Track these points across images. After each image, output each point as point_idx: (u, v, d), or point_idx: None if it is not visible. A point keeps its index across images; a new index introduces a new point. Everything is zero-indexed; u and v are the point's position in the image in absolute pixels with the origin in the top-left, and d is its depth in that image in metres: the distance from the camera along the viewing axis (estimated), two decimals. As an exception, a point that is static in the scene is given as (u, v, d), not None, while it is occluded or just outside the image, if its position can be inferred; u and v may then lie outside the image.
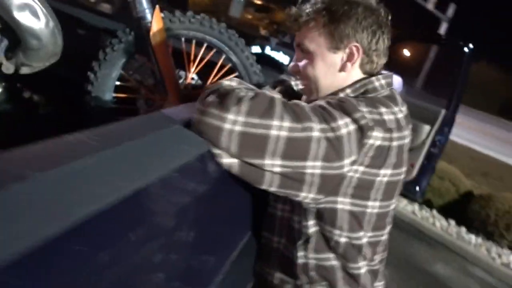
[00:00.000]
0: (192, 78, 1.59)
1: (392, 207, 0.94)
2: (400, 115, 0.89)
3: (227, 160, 0.78)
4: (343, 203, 0.85)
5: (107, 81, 1.43)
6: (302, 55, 0.99)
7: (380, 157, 0.83)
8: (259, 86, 1.59)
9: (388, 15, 0.96)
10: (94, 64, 1.41)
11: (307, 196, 0.82)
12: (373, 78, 0.94)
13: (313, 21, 0.94)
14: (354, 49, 0.92)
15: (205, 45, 1.54)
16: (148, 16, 1.34)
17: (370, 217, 0.89)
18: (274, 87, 1.20)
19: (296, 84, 1.24)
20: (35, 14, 1.11)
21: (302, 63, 0.98)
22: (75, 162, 0.48)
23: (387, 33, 0.95)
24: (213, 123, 0.74)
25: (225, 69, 1.59)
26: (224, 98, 0.76)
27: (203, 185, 0.76)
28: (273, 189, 0.81)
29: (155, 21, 1.34)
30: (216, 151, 0.77)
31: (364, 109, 0.82)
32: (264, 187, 0.82)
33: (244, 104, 0.74)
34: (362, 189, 0.85)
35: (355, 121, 0.79)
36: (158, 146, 0.68)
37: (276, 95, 0.90)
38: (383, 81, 0.94)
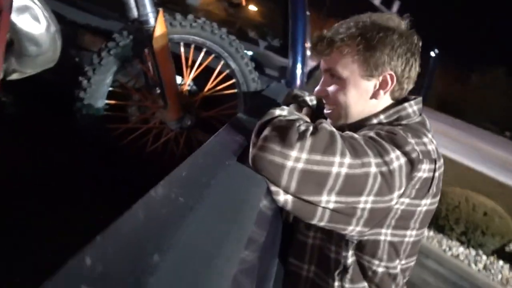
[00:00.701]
0: (188, 84, 1.51)
1: (425, 234, 0.96)
2: (435, 143, 0.90)
3: (283, 197, 0.74)
4: (386, 234, 0.85)
5: (101, 87, 1.31)
6: (331, 80, 0.95)
7: (424, 188, 0.83)
8: (258, 93, 1.55)
9: (420, 40, 0.96)
10: (88, 69, 1.29)
11: (354, 229, 0.80)
12: (406, 104, 0.93)
13: (347, 47, 0.90)
14: (389, 77, 0.90)
15: (204, 50, 1.46)
16: (152, 20, 1.24)
17: (407, 245, 0.90)
18: (287, 103, 1.17)
19: (311, 100, 1.21)
20: (35, 17, 0.98)
21: (331, 89, 0.95)
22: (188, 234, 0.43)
23: (419, 59, 0.95)
24: (275, 160, 0.70)
25: (223, 75, 1.52)
26: (285, 133, 0.71)
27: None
28: (322, 224, 0.79)
29: (159, 25, 1.25)
30: (274, 188, 0.72)
31: (412, 140, 0.81)
32: (313, 222, 0.79)
33: (307, 140, 0.70)
34: (404, 220, 0.85)
35: (405, 154, 0.78)
36: (231, 190, 0.63)
37: (328, 126, 0.85)
38: (415, 107, 0.94)
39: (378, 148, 0.76)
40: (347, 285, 0.90)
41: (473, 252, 4.03)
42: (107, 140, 1.39)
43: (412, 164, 0.77)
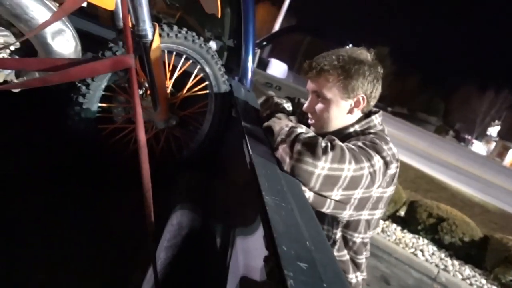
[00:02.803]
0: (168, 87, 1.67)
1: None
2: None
3: (307, 194, 1.02)
4: (365, 215, 1.18)
5: (97, 92, 1.42)
6: (316, 99, 1.27)
7: (390, 180, 1.18)
8: (230, 95, 1.77)
9: (382, 69, 1.29)
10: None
11: (347, 213, 1.12)
12: (373, 117, 1.27)
13: (331, 76, 1.22)
14: (361, 98, 1.23)
15: (184, 56, 1.63)
16: (149, 33, 1.38)
17: (375, 221, 1.25)
18: (273, 111, 1.43)
19: (288, 106, 1.50)
20: (67, 39, 1.09)
21: (318, 107, 1.27)
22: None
23: (381, 82, 1.28)
24: (308, 168, 0.97)
25: (197, 78, 1.71)
26: (313, 149, 0.98)
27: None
28: (328, 211, 1.09)
29: (156, 38, 1.39)
30: (303, 187, 1.00)
31: (385, 147, 1.14)
32: (322, 210, 1.08)
33: (329, 154, 0.98)
34: (377, 203, 1.19)
35: (383, 158, 1.11)
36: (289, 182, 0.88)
37: (339, 142, 1.11)
38: (379, 119, 1.28)
39: (367, 155, 1.07)
40: (334, 253, 1.22)
41: (382, 215, 4.74)
42: (98, 140, 1.51)
43: (387, 165, 1.11)
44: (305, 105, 1.30)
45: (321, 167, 0.98)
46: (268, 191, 0.76)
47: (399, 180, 5.73)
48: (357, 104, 1.24)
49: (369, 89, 1.23)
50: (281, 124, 1.16)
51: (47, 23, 0.86)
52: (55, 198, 1.43)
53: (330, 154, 0.99)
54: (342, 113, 1.25)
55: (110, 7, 1.11)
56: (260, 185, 0.78)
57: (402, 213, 5.10)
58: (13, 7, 0.99)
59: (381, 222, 4.80)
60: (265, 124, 1.28)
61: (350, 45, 3.72)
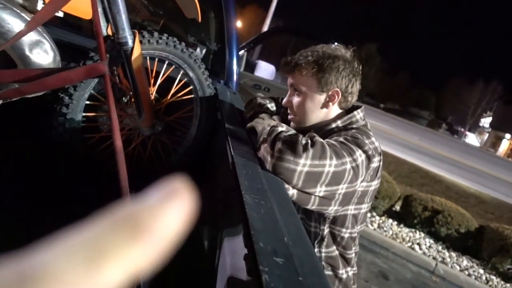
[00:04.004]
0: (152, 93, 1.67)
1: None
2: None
3: (291, 192, 1.02)
4: (351, 210, 1.19)
5: (81, 102, 1.42)
6: (294, 93, 1.28)
7: (374, 173, 1.19)
8: (215, 98, 1.78)
9: (360, 65, 1.30)
10: (69, 86, 1.38)
11: (333, 209, 1.13)
12: (355, 112, 1.28)
13: (305, 70, 1.24)
14: (335, 93, 1.24)
15: (166, 62, 1.64)
16: (129, 41, 1.38)
17: (362, 215, 1.25)
18: (257, 112, 1.44)
19: (272, 106, 1.51)
20: (45, 50, 1.09)
21: (294, 100, 1.28)
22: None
23: (359, 79, 1.30)
24: (289, 166, 0.98)
25: (181, 83, 1.72)
26: (294, 147, 0.99)
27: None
28: (313, 207, 1.09)
29: (136, 46, 1.40)
30: (286, 185, 1.01)
31: (367, 141, 1.15)
32: (307, 207, 1.09)
33: (309, 151, 0.99)
34: (362, 197, 1.20)
35: (365, 152, 1.12)
36: (275, 188, 0.89)
37: (319, 138, 1.13)
38: (361, 114, 1.29)
39: (348, 150, 1.08)
40: (323, 249, 1.23)
41: (368, 214, 4.78)
42: (83, 150, 1.51)
43: (369, 159, 1.11)
44: (284, 100, 1.32)
45: (302, 164, 0.98)
46: (247, 190, 0.77)
47: (394, 175, 5.77)
48: (331, 98, 1.25)
49: (344, 83, 1.24)
50: (264, 124, 1.17)
51: (21, 34, 0.86)
52: (39, 210, 1.43)
53: (311, 151, 1.00)
54: (316, 107, 1.26)
55: (87, 16, 1.11)
56: (240, 185, 0.78)
57: (397, 207, 5.12)
58: (-12, 21, 0.99)
59: (377, 218, 4.82)
60: (248, 125, 1.29)
61: (335, 43, 3.74)
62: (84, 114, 1.47)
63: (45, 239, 0.13)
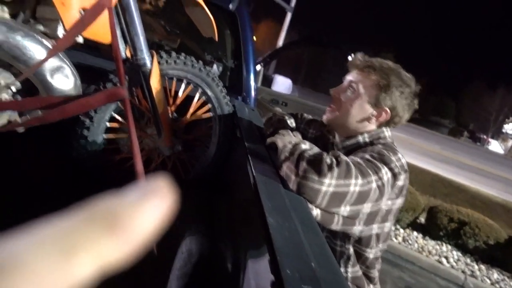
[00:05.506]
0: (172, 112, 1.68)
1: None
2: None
3: (314, 211, 1.00)
4: (375, 228, 1.16)
5: (101, 124, 1.44)
6: (346, 89, 1.24)
7: (399, 191, 1.15)
8: (233, 115, 1.77)
9: (417, 104, 1.25)
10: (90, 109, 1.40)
11: (357, 228, 1.09)
12: (384, 129, 1.25)
13: (374, 76, 1.20)
14: (384, 113, 1.21)
15: (184, 81, 1.65)
16: (148, 62, 1.40)
17: (386, 234, 1.21)
18: (277, 128, 1.42)
19: (291, 123, 1.49)
20: (66, 75, 1.10)
21: (344, 95, 1.24)
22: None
23: (411, 112, 1.25)
24: (313, 186, 0.95)
25: (200, 102, 1.72)
26: (319, 166, 0.97)
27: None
28: (337, 227, 1.07)
29: (155, 67, 1.41)
30: (310, 205, 0.98)
31: (393, 158, 1.12)
32: (331, 227, 1.06)
33: (334, 171, 0.97)
34: (386, 216, 1.16)
35: (391, 169, 1.09)
36: (299, 207, 0.87)
37: (343, 157, 1.09)
38: (389, 132, 1.26)
39: (374, 167, 1.05)
40: (349, 269, 1.19)
41: (392, 227, 4.66)
42: (104, 171, 1.52)
43: (395, 176, 1.08)
44: (334, 88, 1.28)
45: (327, 184, 0.96)
46: (270, 210, 0.75)
47: (416, 185, 5.63)
48: (379, 115, 1.21)
49: (400, 109, 1.20)
50: (285, 141, 1.15)
51: (43, 61, 0.87)
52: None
53: (336, 170, 0.97)
54: (360, 115, 1.22)
55: (106, 40, 1.13)
56: (263, 205, 0.76)
57: (422, 219, 4.99)
58: (11, 49, 1.02)
59: (401, 230, 4.70)
60: (269, 139, 1.27)
61: (352, 55, 3.72)
62: (104, 135, 1.48)
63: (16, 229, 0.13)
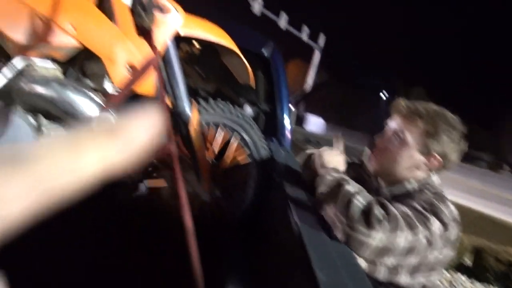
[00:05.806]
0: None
1: None
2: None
3: (359, 260, 0.97)
4: (421, 278, 1.09)
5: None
6: (393, 136, 1.20)
7: (451, 243, 1.09)
8: (270, 159, 1.78)
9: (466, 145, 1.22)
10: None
11: (403, 279, 1.05)
12: (432, 176, 1.21)
13: (420, 123, 1.17)
14: (436, 161, 1.17)
15: (222, 127, 1.68)
16: (187, 110, 1.44)
17: (432, 283, 1.14)
18: None
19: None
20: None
21: (391, 144, 1.20)
22: None
23: (461, 154, 1.21)
24: (362, 239, 0.93)
25: (237, 146, 1.74)
26: (368, 218, 0.94)
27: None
28: (381, 277, 1.03)
29: (194, 115, 1.45)
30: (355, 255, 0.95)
31: (445, 209, 1.07)
32: (375, 276, 1.02)
33: (383, 223, 0.94)
34: (433, 267, 1.09)
35: (441, 220, 1.04)
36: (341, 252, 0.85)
37: (392, 209, 1.03)
38: (437, 177, 1.22)
39: (423, 219, 1.01)
40: None
41: (440, 277, 4.42)
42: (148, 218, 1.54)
43: (446, 229, 1.03)
44: (379, 137, 1.25)
45: (376, 238, 0.94)
46: (319, 265, 0.73)
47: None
48: (429, 163, 1.18)
49: (450, 155, 1.17)
50: (329, 171, 1.12)
51: (96, 118, 0.92)
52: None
53: (385, 224, 0.95)
54: (409, 163, 1.18)
55: (152, 93, 1.18)
56: (311, 259, 0.75)
57: (467, 261, 4.72)
58: (63, 105, 1.08)
59: (446, 273, 4.45)
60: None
61: (384, 92, 3.72)
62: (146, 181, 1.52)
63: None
